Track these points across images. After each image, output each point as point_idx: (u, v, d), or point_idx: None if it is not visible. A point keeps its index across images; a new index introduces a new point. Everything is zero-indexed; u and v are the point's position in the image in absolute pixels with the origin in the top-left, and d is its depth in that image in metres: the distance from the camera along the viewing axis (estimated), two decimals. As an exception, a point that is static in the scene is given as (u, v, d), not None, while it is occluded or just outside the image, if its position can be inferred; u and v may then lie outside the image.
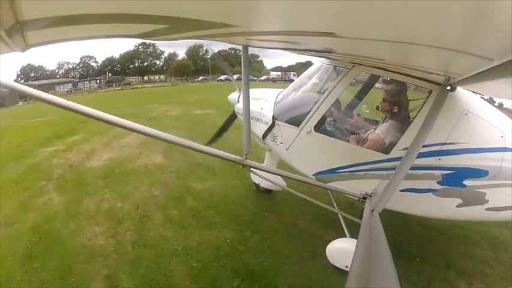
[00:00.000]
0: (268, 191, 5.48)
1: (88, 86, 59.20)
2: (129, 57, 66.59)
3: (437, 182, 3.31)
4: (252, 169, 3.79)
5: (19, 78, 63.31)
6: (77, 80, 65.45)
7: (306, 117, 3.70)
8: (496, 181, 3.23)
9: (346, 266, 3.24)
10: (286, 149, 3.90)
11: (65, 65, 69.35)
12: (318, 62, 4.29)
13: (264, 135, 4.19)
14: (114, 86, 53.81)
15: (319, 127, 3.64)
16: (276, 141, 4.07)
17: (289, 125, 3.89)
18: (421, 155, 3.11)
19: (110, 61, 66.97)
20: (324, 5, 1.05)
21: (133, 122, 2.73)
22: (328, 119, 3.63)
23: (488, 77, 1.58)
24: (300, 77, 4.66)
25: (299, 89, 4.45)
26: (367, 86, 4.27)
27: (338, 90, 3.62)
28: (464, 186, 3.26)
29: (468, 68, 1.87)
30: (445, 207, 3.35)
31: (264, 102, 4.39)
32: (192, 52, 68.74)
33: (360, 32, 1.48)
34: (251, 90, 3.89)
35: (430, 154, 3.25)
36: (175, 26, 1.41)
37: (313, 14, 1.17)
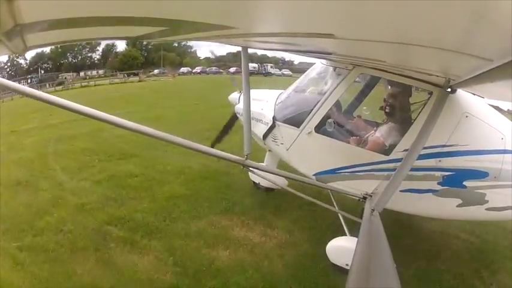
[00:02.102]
0: (269, 190, 5.47)
1: None
2: (60, 52, 55.39)
3: (438, 183, 3.31)
4: (252, 169, 3.80)
5: None
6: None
7: (306, 118, 3.70)
8: (496, 182, 3.24)
9: (347, 265, 3.24)
10: (287, 150, 3.91)
11: None
12: (318, 63, 4.29)
13: (265, 136, 4.20)
14: (48, 85, 42.98)
15: (320, 128, 3.65)
16: (276, 142, 4.08)
17: (289, 125, 3.89)
18: (422, 157, 3.11)
19: (40, 57, 54.95)
20: (322, 7, 1.05)
21: (131, 122, 2.72)
22: (328, 120, 3.63)
23: (488, 78, 1.58)
24: (301, 78, 4.66)
25: (299, 90, 4.45)
26: (368, 88, 4.27)
27: (338, 91, 3.63)
28: (465, 187, 3.27)
29: (468, 69, 1.87)
30: (445, 208, 3.36)
31: (264, 103, 4.39)
32: (135, 42, 54.53)
33: (359, 33, 1.48)
34: (252, 91, 3.90)
35: (431, 155, 3.25)
36: (174, 28, 1.41)
37: (312, 16, 1.17)
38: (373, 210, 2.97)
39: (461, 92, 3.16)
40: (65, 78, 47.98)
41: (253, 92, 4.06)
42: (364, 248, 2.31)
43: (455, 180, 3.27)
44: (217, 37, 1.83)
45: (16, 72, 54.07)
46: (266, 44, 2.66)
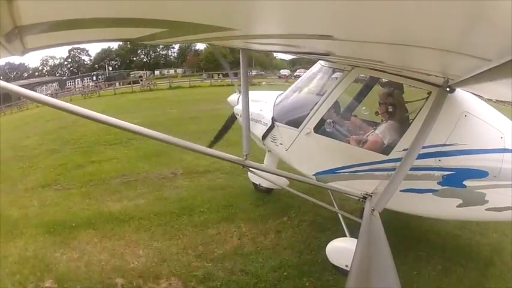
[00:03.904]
0: (269, 191, 5.48)
1: (80, 85, 43.50)
2: (130, 49, 50.81)
3: (438, 183, 3.31)
4: (251, 169, 3.81)
5: (-4, 80, 52.57)
6: (64, 78, 48.79)
7: (305, 119, 3.71)
8: (496, 182, 3.23)
9: (346, 266, 3.24)
10: (286, 150, 3.92)
11: (50, 60, 52.84)
12: (317, 63, 4.30)
13: (264, 136, 4.20)
14: (118, 84, 37.40)
15: (319, 128, 3.66)
16: (275, 142, 4.09)
17: (288, 126, 3.90)
18: (421, 156, 3.12)
19: (106, 53, 50.84)
20: (322, 8, 1.05)
21: (132, 124, 2.72)
22: (327, 121, 3.64)
23: (487, 78, 1.58)
24: (299, 79, 4.68)
25: (298, 90, 4.47)
26: (366, 88, 4.28)
27: (337, 91, 3.63)
28: (464, 186, 3.27)
29: (467, 69, 1.87)
30: (445, 208, 3.36)
31: (263, 104, 4.40)
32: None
33: (358, 34, 1.48)
34: (250, 92, 3.91)
35: (430, 155, 3.26)
36: (174, 30, 1.41)
37: (311, 17, 1.17)
38: (373, 210, 2.97)
39: (460, 91, 3.16)
40: (140, 76, 43.08)
41: (252, 93, 4.07)
42: (364, 248, 2.31)
43: (455, 179, 3.27)
44: (217, 39, 1.83)
45: (78, 69, 52.82)
46: (265, 45, 2.67)
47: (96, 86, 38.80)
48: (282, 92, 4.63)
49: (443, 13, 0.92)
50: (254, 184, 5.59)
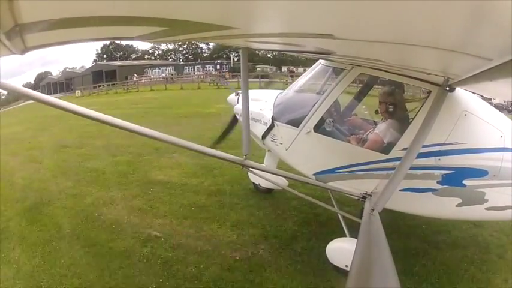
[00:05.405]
0: (269, 191, 5.49)
1: (201, 72, 41.74)
2: None
3: (437, 182, 3.31)
4: (251, 169, 3.81)
5: (100, 58, 50.56)
6: (181, 63, 48.48)
7: (305, 118, 3.71)
8: (495, 181, 3.24)
9: (346, 266, 3.25)
10: (286, 150, 3.92)
11: (163, 44, 49.83)
12: (317, 62, 4.30)
13: (264, 136, 4.20)
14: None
15: (319, 128, 3.65)
16: (275, 142, 4.08)
17: (288, 125, 3.90)
18: (421, 155, 3.12)
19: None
20: (322, 7, 1.05)
21: (136, 125, 2.71)
22: (327, 120, 3.63)
23: (487, 77, 1.59)
24: (299, 78, 4.68)
25: (298, 90, 4.46)
26: (366, 87, 4.28)
27: (337, 91, 3.63)
28: (464, 186, 3.27)
29: (467, 68, 1.88)
30: (444, 207, 3.36)
31: (263, 103, 4.40)
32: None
33: (358, 33, 1.48)
34: (250, 92, 3.90)
35: (430, 154, 3.26)
36: (175, 28, 1.41)
37: (311, 16, 1.18)
38: (372, 209, 2.97)
39: (460, 91, 3.17)
40: (291, 71, 37.16)
41: (252, 92, 4.07)
42: (364, 248, 2.31)
43: (454, 179, 3.27)
44: (217, 38, 1.83)
45: (194, 56, 51.38)
46: (266, 44, 2.67)
47: (221, 76, 36.69)
48: (282, 90, 4.63)
49: (444, 12, 0.93)
50: (254, 184, 5.59)
